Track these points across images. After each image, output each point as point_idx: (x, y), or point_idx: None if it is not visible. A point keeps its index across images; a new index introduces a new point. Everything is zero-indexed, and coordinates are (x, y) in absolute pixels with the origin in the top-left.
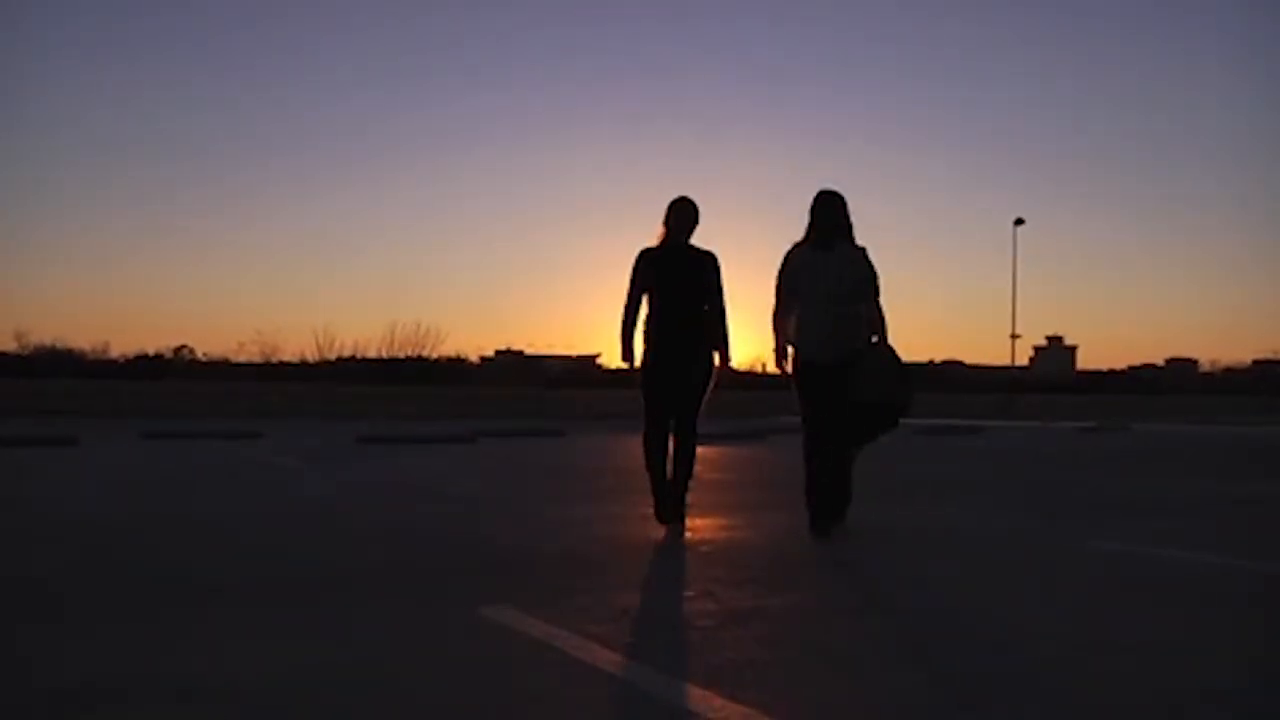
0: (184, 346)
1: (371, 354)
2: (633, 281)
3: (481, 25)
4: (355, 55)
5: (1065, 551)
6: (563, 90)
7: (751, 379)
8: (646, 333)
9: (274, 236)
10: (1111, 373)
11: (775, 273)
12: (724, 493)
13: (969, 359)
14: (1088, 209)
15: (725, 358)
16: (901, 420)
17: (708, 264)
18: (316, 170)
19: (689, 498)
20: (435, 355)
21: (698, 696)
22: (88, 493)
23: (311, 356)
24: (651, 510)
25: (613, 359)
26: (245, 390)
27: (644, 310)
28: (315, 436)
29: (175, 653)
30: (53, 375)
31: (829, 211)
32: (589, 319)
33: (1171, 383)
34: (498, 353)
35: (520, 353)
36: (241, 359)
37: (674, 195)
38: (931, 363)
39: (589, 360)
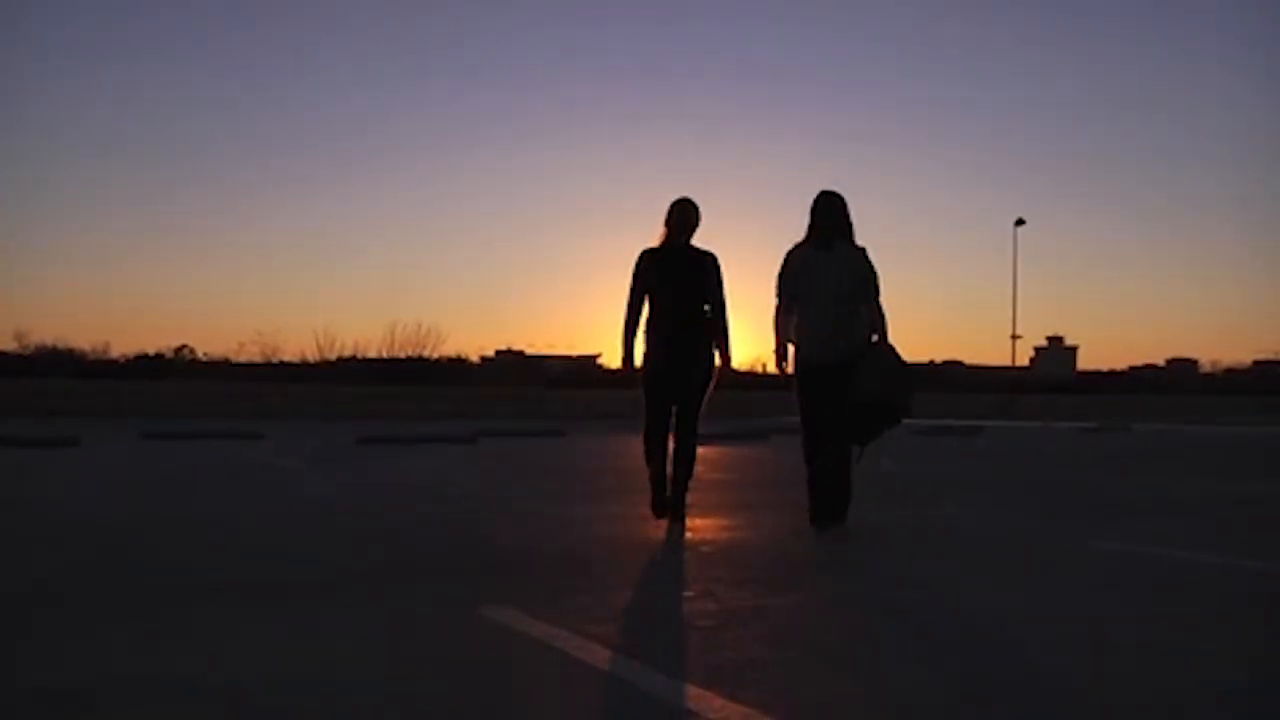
0: (184, 347)
1: (372, 354)
2: (634, 282)
3: (481, 25)
4: (355, 55)
5: (1065, 551)
6: (563, 90)
7: (752, 379)
8: (647, 333)
9: (274, 236)
10: (1112, 373)
11: (775, 273)
12: (725, 493)
13: (969, 359)
14: (1088, 209)
15: (726, 357)
16: (903, 420)
17: (708, 264)
18: (316, 170)
19: (689, 497)
20: (435, 355)
21: (698, 696)
22: (88, 493)
23: (312, 357)
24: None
25: (613, 359)
26: (246, 391)
27: (645, 310)
28: (316, 437)
29: (175, 653)
30: (53, 375)
31: (829, 212)
32: (589, 319)
33: (1172, 383)
34: (498, 353)
35: (520, 353)
36: (242, 359)
37: (674, 195)
38: (932, 363)
39: (589, 360)
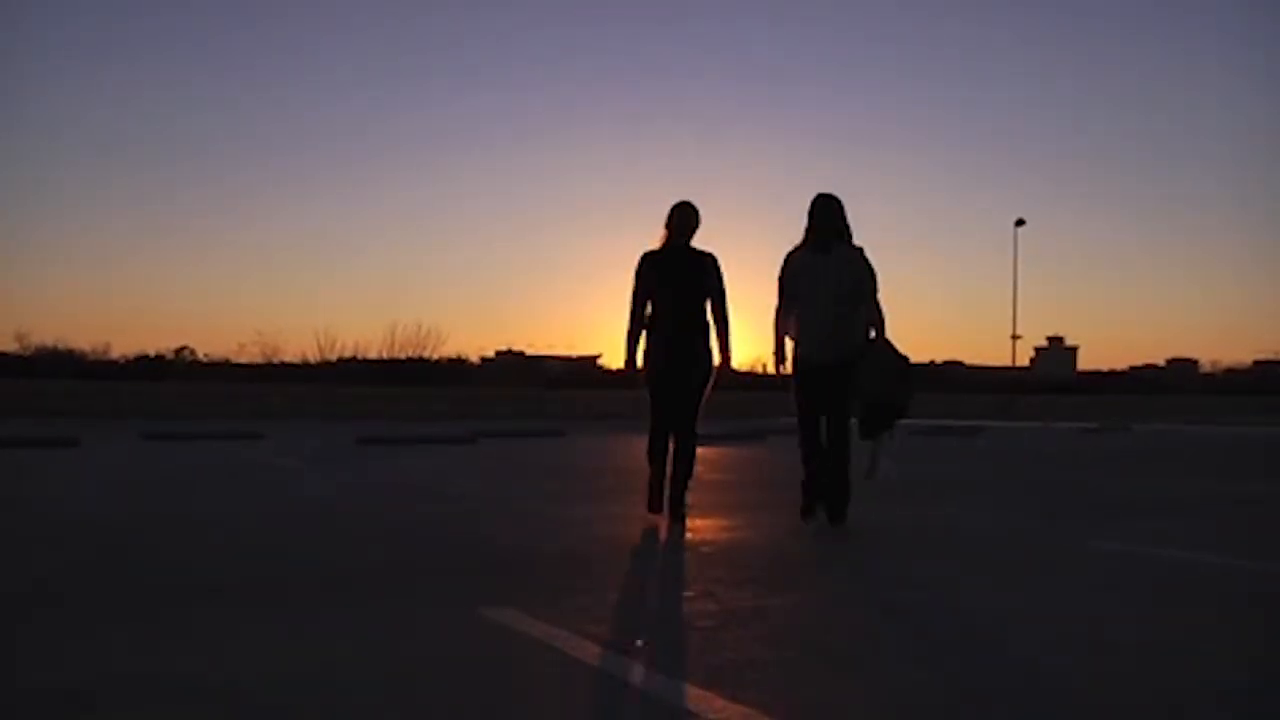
0: (185, 347)
1: (372, 355)
2: (635, 285)
3: (481, 25)
4: (355, 55)
5: (1065, 551)
6: (563, 90)
7: (752, 379)
8: (648, 334)
9: (274, 236)
10: (1112, 373)
11: (775, 274)
12: (724, 493)
13: (970, 360)
14: (1088, 209)
15: (726, 355)
16: (901, 419)
17: (708, 265)
18: (316, 170)
19: (689, 498)
20: (436, 356)
21: (698, 697)
22: (88, 493)
23: (312, 357)
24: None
25: (614, 359)
26: (246, 391)
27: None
28: (316, 437)
29: (175, 653)
30: (53, 376)
31: (826, 214)
32: (589, 319)
33: (1172, 383)
34: (498, 353)
35: (521, 353)
36: (242, 360)
37: (674, 195)
38: (932, 363)
39: (589, 361)
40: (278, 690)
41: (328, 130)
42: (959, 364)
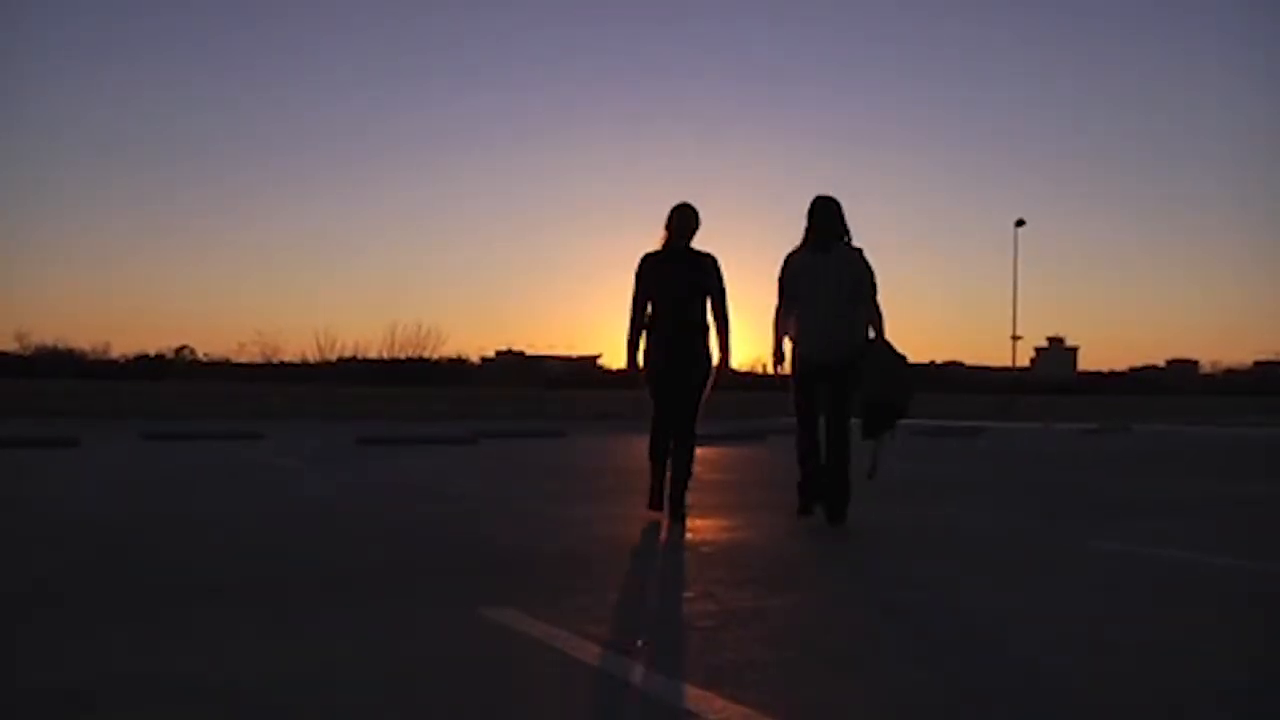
0: (185, 347)
1: (372, 355)
2: (636, 286)
3: (481, 25)
4: (355, 55)
5: (1065, 551)
6: (563, 90)
7: (752, 379)
8: (649, 334)
9: (274, 236)
10: (1112, 374)
11: (775, 274)
12: (724, 493)
13: (970, 360)
14: (1088, 209)
15: (726, 353)
16: (901, 418)
17: (707, 266)
18: (316, 170)
19: (689, 498)
20: (436, 356)
21: (698, 697)
22: (88, 493)
23: (312, 357)
24: (653, 511)
25: (614, 360)
26: (246, 391)
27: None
28: (316, 437)
29: (175, 653)
30: (54, 376)
31: (826, 216)
32: (589, 320)
33: (1172, 384)
34: (498, 353)
35: (521, 353)
36: (242, 360)
37: (674, 195)
38: (932, 364)
39: (590, 361)
40: (278, 690)
41: (328, 130)
42: (959, 364)
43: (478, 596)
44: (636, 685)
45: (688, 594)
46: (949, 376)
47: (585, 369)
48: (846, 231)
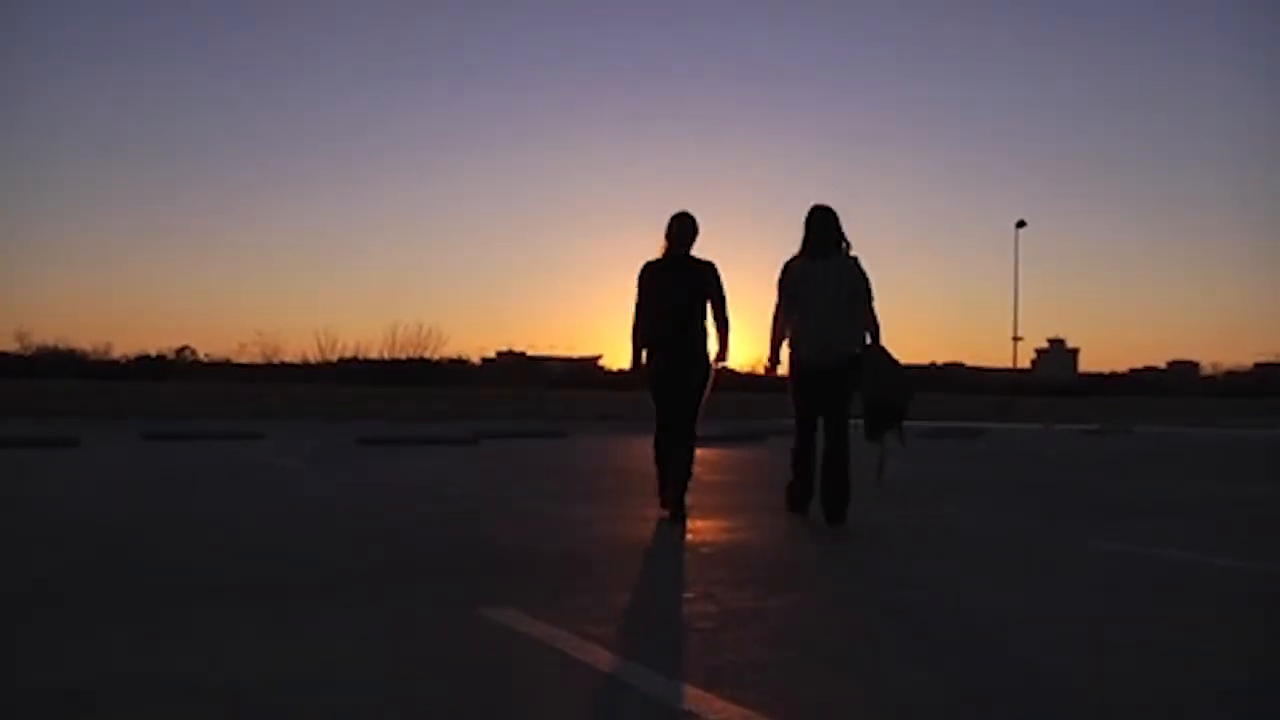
0: (185, 347)
1: (373, 355)
2: (639, 293)
3: (481, 25)
4: (355, 55)
5: (1065, 552)
6: (563, 90)
7: (751, 380)
8: (650, 338)
9: (274, 236)
10: (1113, 375)
11: (774, 274)
12: (724, 494)
13: (971, 361)
14: (1089, 210)
15: (724, 354)
16: (902, 419)
17: (708, 273)
18: (316, 170)
19: (689, 499)
20: (436, 356)
21: (698, 698)
22: (88, 493)
23: (313, 357)
24: (654, 512)
25: (614, 361)
26: (246, 391)
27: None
28: (316, 437)
29: (175, 653)
30: (54, 376)
31: (823, 224)
32: (590, 320)
33: (1173, 385)
34: (499, 354)
35: (521, 354)
36: (243, 360)
37: (674, 195)
38: (933, 365)
39: (590, 362)
40: (278, 690)
41: (328, 130)
42: (960, 365)
43: (478, 596)
44: (637, 686)
45: (688, 594)
46: (950, 377)
47: (586, 370)
48: (844, 239)
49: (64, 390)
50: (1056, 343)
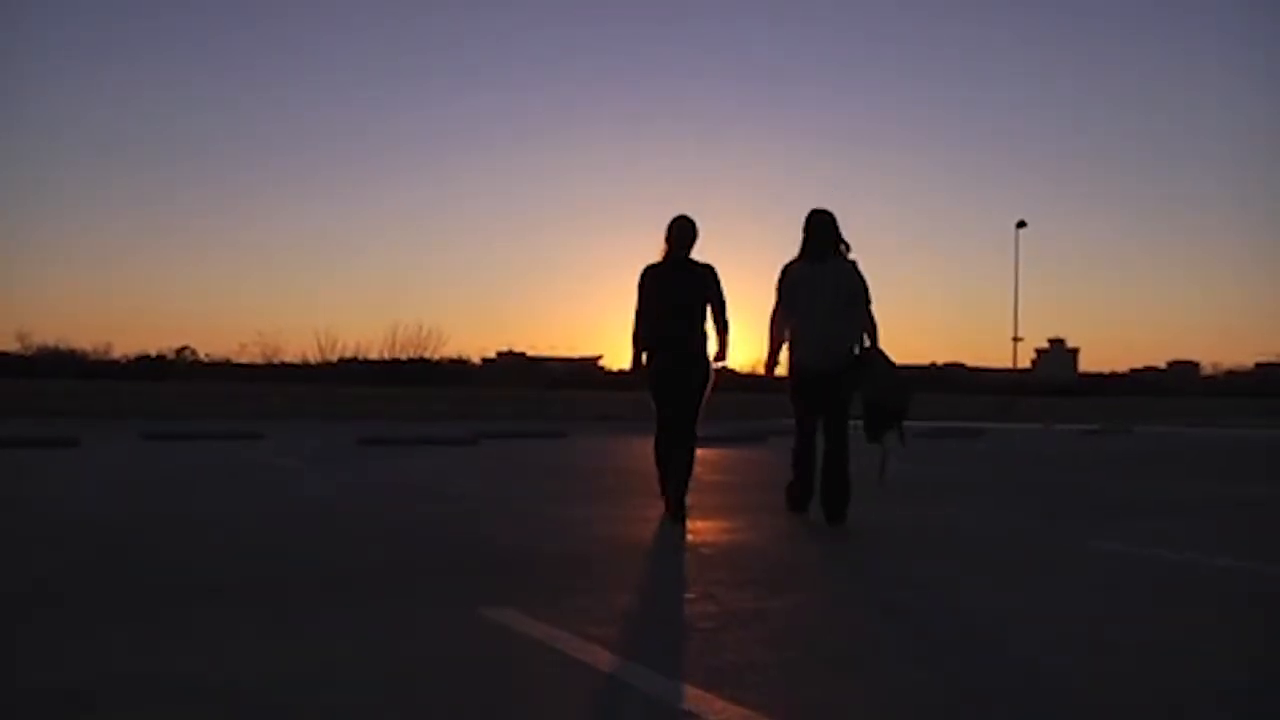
0: (186, 348)
1: (373, 355)
2: (640, 297)
3: (481, 25)
4: (355, 55)
5: (1065, 552)
6: (563, 90)
7: (752, 381)
8: (651, 341)
9: (274, 236)
10: (1114, 375)
11: (774, 273)
12: (725, 495)
13: (971, 361)
14: (1089, 210)
15: (723, 354)
16: (902, 419)
17: (707, 277)
18: (316, 170)
19: (689, 499)
20: (437, 357)
21: (699, 698)
22: (88, 493)
23: (313, 358)
24: (654, 512)
25: (615, 361)
26: (246, 391)
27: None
28: (316, 437)
29: (175, 653)
30: (54, 376)
31: (822, 228)
32: (590, 320)
33: (1173, 385)
34: (499, 354)
35: (522, 354)
36: (243, 360)
37: (674, 195)
38: (933, 365)
39: (590, 362)
40: (278, 690)
41: (328, 130)
42: (960, 366)
43: (478, 596)
44: (637, 686)
45: (688, 595)
46: (950, 378)
47: (586, 370)
48: (842, 243)
49: (64, 390)
50: (1057, 343)
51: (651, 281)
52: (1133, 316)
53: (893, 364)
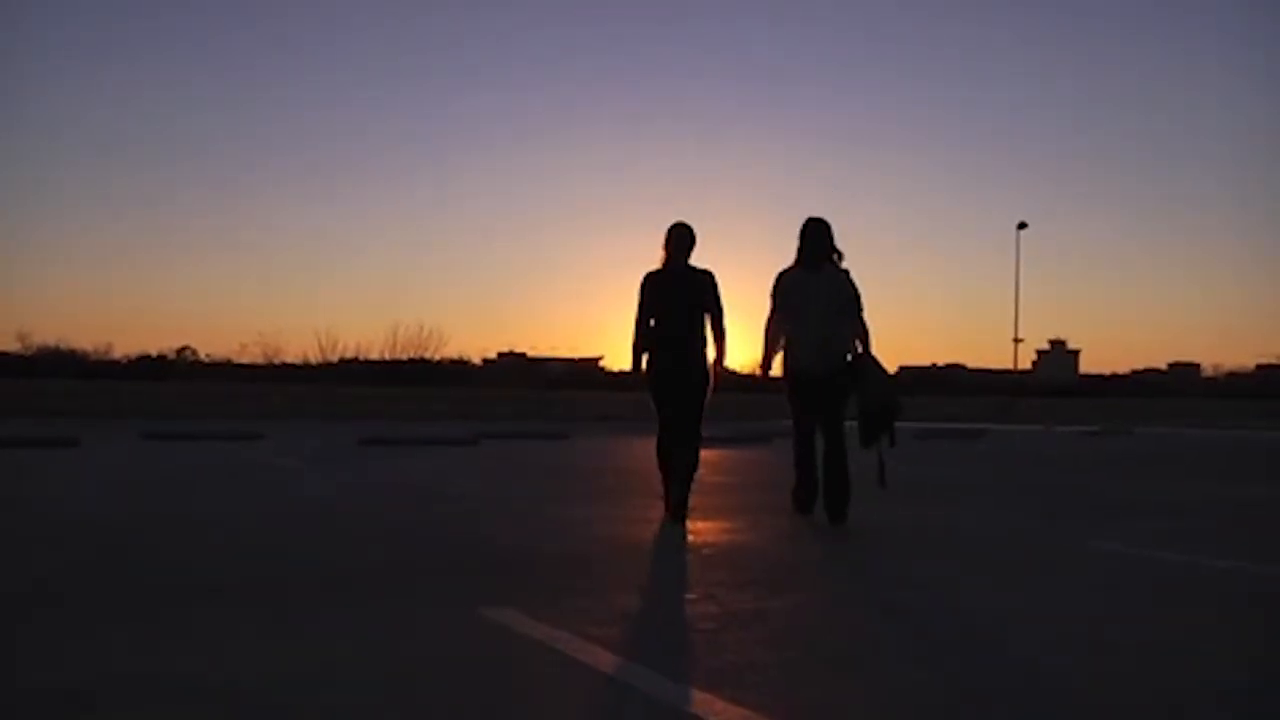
0: (186, 348)
1: (374, 356)
2: (640, 303)
3: (481, 25)
4: (355, 55)
5: (1065, 552)
6: (563, 90)
7: (752, 381)
8: (651, 345)
9: (274, 236)
10: (1114, 377)
11: (774, 273)
12: (726, 495)
13: (971, 362)
14: (1089, 210)
15: (721, 354)
16: (895, 420)
17: (706, 282)
18: (316, 170)
19: (691, 500)
20: (437, 357)
21: (699, 699)
22: (88, 493)
23: (313, 358)
24: (654, 512)
25: (616, 362)
26: (247, 391)
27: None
28: (316, 437)
29: (175, 653)
30: (54, 376)
31: (817, 237)
32: (591, 321)
33: (1174, 387)
34: (500, 355)
35: (523, 355)
36: (244, 360)
37: (674, 195)
38: (934, 366)
39: (591, 362)
40: (278, 690)
41: (328, 130)
42: (961, 367)
43: (478, 596)
44: (638, 686)
45: (689, 596)
46: (951, 379)
47: (587, 371)
48: (835, 251)
49: (64, 390)
50: (1057, 344)
51: (652, 288)
52: (1133, 317)
53: (884, 371)
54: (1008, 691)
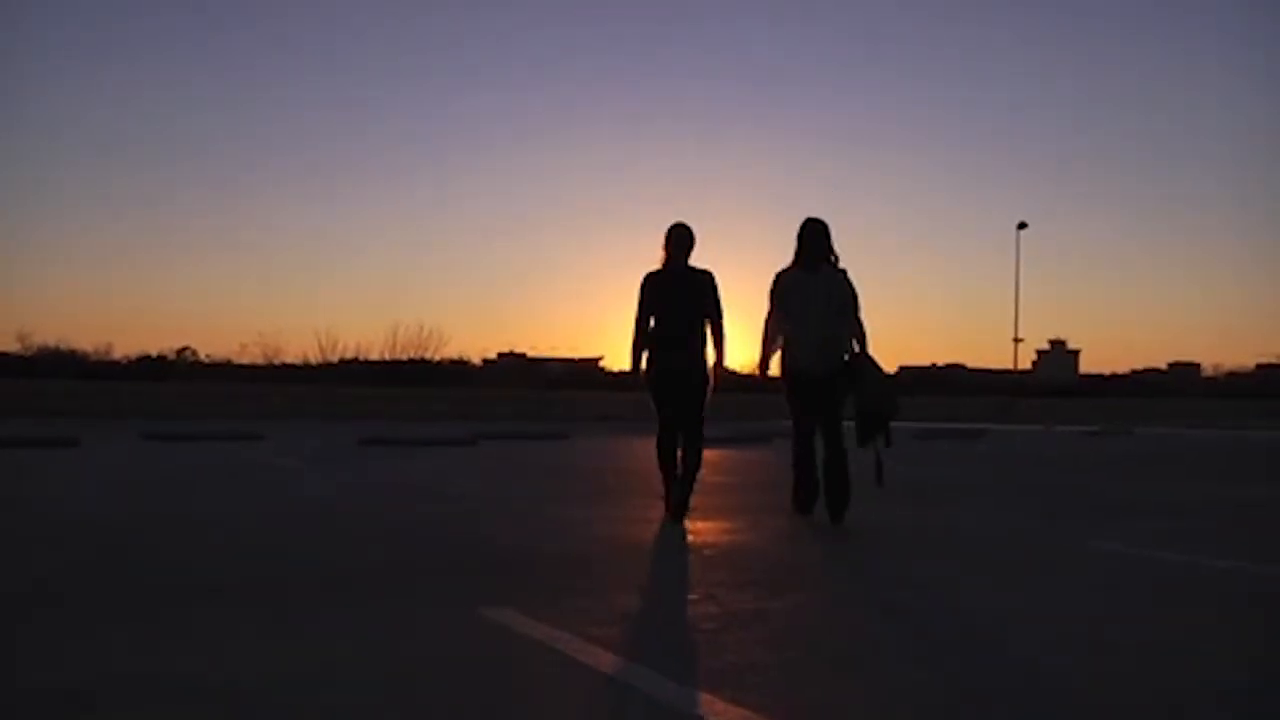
0: (186, 348)
1: (374, 356)
2: (640, 303)
3: (481, 25)
4: (355, 55)
5: (1065, 552)
6: (563, 90)
7: (753, 381)
8: (652, 345)
9: (274, 236)
10: (1114, 377)
11: (773, 272)
12: (726, 495)
13: (971, 363)
14: (1089, 210)
15: (720, 355)
16: (891, 419)
17: (706, 283)
18: (316, 170)
19: (691, 500)
20: (437, 357)
21: (700, 699)
22: (88, 493)
23: (314, 358)
24: (654, 512)
25: (616, 362)
26: (247, 391)
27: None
28: (316, 438)
29: (175, 653)
30: (54, 376)
31: (815, 238)
32: (591, 321)
33: (1174, 387)
34: (500, 355)
35: (523, 355)
36: (244, 360)
37: (674, 195)
38: (934, 366)
39: (591, 363)
40: (278, 690)
41: (328, 130)
42: (961, 367)
43: (478, 596)
44: (638, 687)
45: (690, 596)
46: (951, 379)
47: (587, 371)
48: (833, 252)
49: (64, 390)
50: (1057, 344)
51: (652, 288)
52: (1133, 317)
53: (881, 371)
54: (1008, 691)
